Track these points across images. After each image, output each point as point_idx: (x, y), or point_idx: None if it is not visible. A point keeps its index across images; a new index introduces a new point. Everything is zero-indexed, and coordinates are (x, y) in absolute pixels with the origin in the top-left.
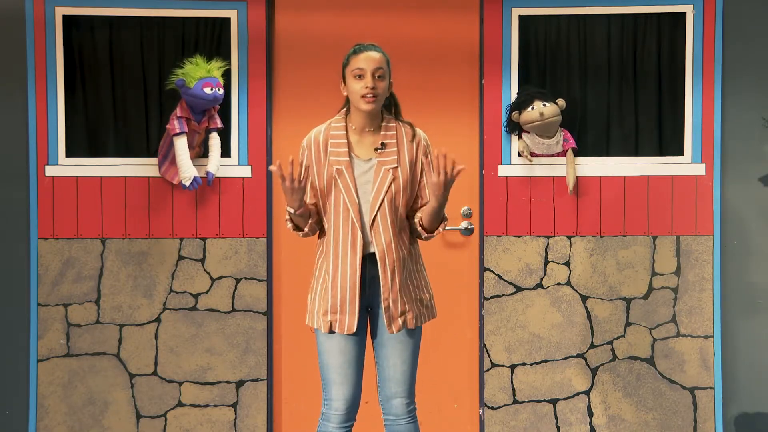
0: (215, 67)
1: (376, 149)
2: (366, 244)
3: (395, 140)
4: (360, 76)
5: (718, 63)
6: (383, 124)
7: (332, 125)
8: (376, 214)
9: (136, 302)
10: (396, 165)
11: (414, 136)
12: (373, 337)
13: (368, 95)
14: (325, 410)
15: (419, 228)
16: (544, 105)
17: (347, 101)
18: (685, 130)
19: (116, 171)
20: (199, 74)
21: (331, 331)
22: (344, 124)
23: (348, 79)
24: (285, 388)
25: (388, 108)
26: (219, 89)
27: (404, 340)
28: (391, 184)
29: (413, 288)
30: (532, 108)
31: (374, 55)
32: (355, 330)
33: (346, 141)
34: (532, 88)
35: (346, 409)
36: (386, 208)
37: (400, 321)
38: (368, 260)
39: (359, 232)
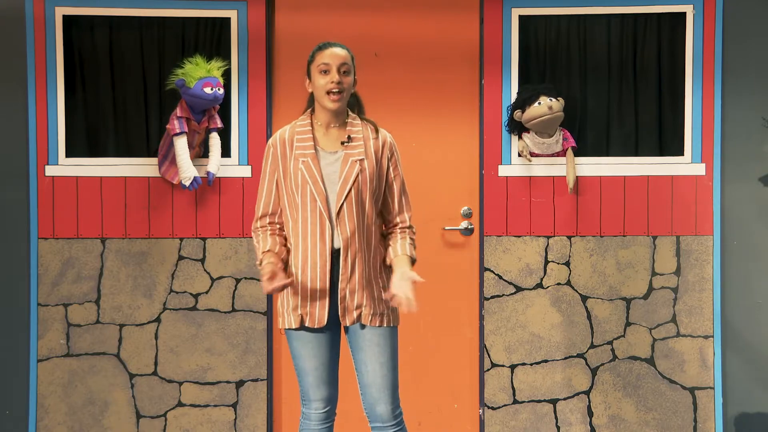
0: (215, 67)
1: (342, 142)
2: (333, 236)
3: (361, 135)
4: (325, 72)
5: (718, 63)
6: (348, 120)
7: (297, 123)
8: (342, 204)
9: (136, 302)
10: (363, 157)
11: (378, 132)
12: (347, 337)
13: (334, 90)
14: (305, 410)
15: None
16: (551, 100)
17: (311, 100)
18: (685, 130)
19: (116, 171)
20: (199, 74)
21: (303, 326)
22: (309, 121)
23: (313, 75)
24: (285, 388)
25: (352, 107)
26: (219, 89)
27: (380, 342)
28: (358, 175)
29: (377, 287)
30: (540, 103)
31: (339, 51)
32: (325, 322)
33: (311, 136)
34: (534, 85)
35: (324, 409)
36: (353, 199)
37: (354, 314)
38: (335, 255)
39: (327, 223)
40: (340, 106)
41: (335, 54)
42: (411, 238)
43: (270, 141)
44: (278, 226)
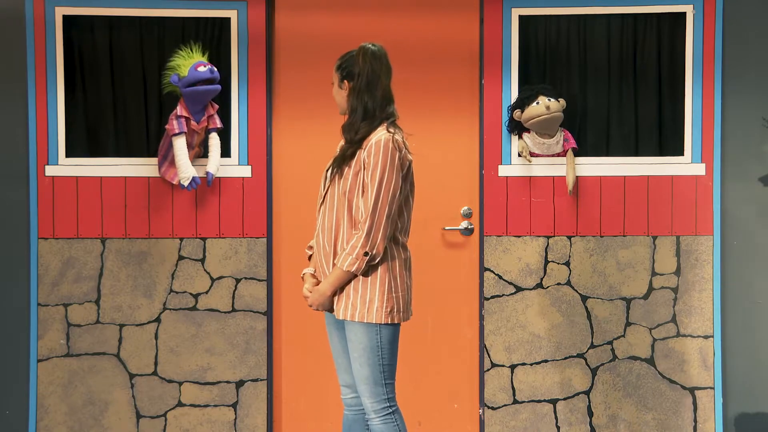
0: (199, 54)
1: (340, 149)
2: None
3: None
4: None
5: (718, 63)
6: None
7: None
8: (325, 197)
9: (136, 302)
10: (345, 162)
11: (371, 135)
12: None
13: None
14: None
15: None
16: (549, 100)
17: None
18: (685, 130)
19: (116, 171)
20: (188, 61)
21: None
22: None
23: None
24: (285, 388)
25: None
26: (213, 67)
27: (351, 338)
28: (335, 177)
29: (353, 280)
30: (538, 102)
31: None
32: (326, 312)
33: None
34: (534, 85)
35: (350, 395)
36: (334, 192)
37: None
38: None
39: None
40: (342, 113)
41: None
42: (351, 244)
43: None
44: None
